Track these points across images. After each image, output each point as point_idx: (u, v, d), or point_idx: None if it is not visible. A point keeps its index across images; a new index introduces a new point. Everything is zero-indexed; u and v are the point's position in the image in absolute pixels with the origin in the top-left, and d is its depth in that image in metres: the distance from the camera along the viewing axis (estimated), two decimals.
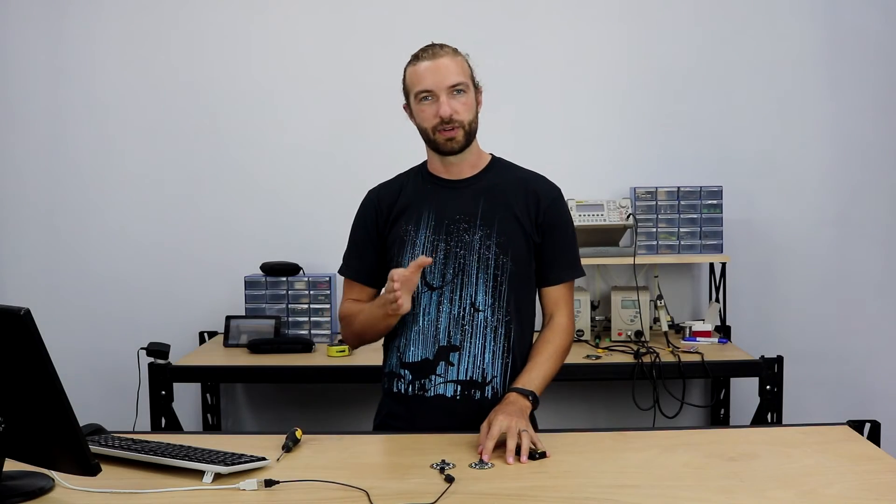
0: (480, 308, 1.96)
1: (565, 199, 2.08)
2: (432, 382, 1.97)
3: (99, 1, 3.50)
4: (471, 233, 1.97)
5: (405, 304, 1.88)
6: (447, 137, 1.94)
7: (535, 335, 2.08)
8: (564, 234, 2.04)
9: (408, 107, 2.01)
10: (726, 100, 3.51)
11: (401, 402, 2.01)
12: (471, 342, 1.96)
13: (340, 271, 2.13)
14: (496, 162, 2.08)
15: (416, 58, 1.96)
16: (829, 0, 3.47)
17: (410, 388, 1.99)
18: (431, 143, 1.98)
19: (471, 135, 1.97)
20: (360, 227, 2.10)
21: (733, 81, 3.50)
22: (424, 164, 2.09)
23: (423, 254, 1.97)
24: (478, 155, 2.04)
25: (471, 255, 1.96)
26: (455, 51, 1.97)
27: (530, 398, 1.88)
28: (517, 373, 1.98)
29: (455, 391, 1.96)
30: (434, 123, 1.93)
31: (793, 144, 3.52)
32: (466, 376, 1.96)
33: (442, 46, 1.96)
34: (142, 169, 3.55)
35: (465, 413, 1.95)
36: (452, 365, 1.96)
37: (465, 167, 2.02)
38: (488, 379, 1.96)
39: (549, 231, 2.01)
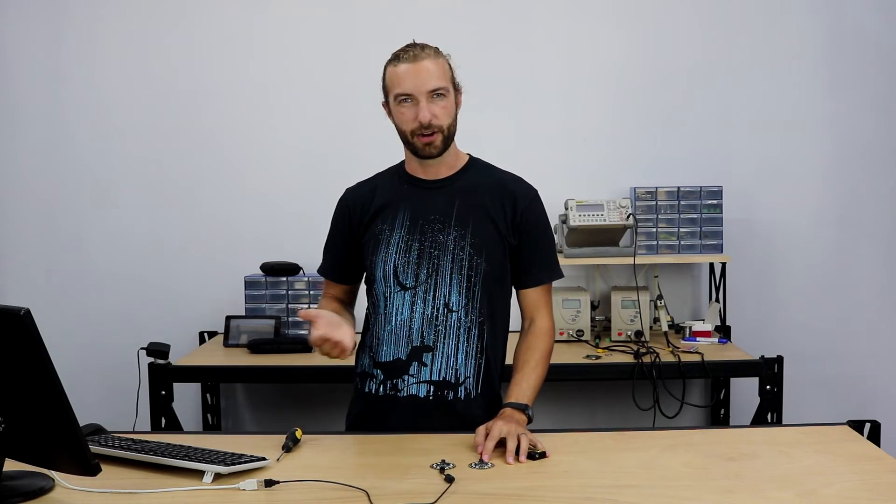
0: (454, 308, 1.96)
1: (541, 199, 2.06)
2: (405, 382, 1.97)
3: (99, 1, 3.50)
4: (445, 233, 1.97)
5: (346, 343, 1.82)
6: (426, 142, 1.93)
7: (510, 336, 2.08)
8: (542, 237, 2.03)
9: (386, 105, 2.00)
10: (726, 100, 3.51)
11: (372, 403, 2.01)
12: (444, 342, 1.96)
13: (319, 269, 2.14)
14: (474, 162, 2.07)
15: (396, 58, 1.93)
16: (829, 0, 3.47)
17: (382, 388, 1.99)
18: (410, 146, 1.98)
19: (449, 138, 1.97)
20: (333, 226, 2.11)
21: (733, 81, 3.50)
22: (402, 163, 2.09)
23: (396, 254, 1.97)
24: (455, 156, 2.04)
25: (445, 256, 1.96)
26: (436, 51, 1.94)
27: (527, 412, 1.88)
28: (490, 373, 1.99)
29: (428, 391, 1.96)
30: (413, 127, 1.92)
31: (793, 144, 3.52)
32: (439, 377, 1.96)
33: (423, 47, 1.92)
34: (142, 168, 3.55)
35: (437, 413, 1.95)
36: (425, 365, 1.96)
37: (442, 168, 2.01)
38: (461, 379, 1.96)
39: (527, 233, 2.00)
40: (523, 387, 1.92)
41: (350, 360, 3.02)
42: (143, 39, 3.51)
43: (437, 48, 1.96)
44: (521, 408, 1.87)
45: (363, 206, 2.05)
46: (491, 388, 2.01)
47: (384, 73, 1.97)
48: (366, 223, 2.03)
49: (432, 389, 1.96)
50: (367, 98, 3.44)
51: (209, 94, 3.52)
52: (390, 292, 1.98)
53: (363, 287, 2.13)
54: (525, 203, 2.01)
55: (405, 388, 1.97)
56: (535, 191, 2.06)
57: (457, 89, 1.98)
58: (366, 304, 2.09)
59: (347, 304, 2.14)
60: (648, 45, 3.50)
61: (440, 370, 1.96)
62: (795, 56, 3.49)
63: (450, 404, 1.96)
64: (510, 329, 2.08)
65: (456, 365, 1.96)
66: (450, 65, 1.96)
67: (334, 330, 1.81)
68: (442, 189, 2.01)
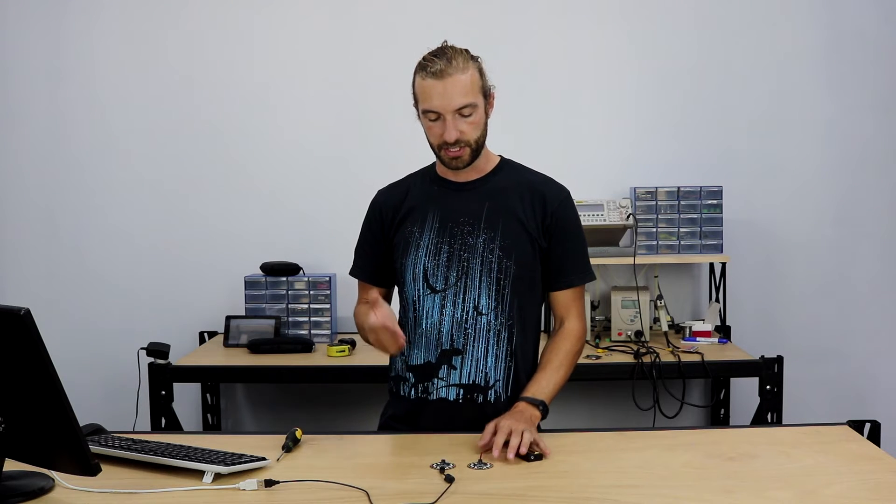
0: (483, 311, 1.95)
1: (573, 200, 2.05)
2: (435, 386, 1.97)
3: (98, 1, 3.50)
4: (474, 236, 1.96)
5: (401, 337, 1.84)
6: (452, 157, 1.92)
7: (541, 337, 2.08)
8: (573, 238, 2.02)
9: (416, 108, 1.97)
10: (726, 100, 3.51)
11: (404, 405, 2.01)
12: (473, 345, 1.96)
13: (350, 271, 2.13)
14: (504, 164, 2.06)
15: (424, 69, 1.87)
16: (829, 0, 3.47)
17: (413, 392, 1.99)
18: (438, 158, 1.98)
19: (478, 150, 1.95)
20: (366, 228, 2.11)
21: (733, 81, 3.50)
22: (433, 165, 2.08)
23: (426, 256, 1.97)
24: (486, 158, 2.02)
25: (474, 259, 1.95)
26: (465, 60, 1.88)
27: (540, 408, 1.87)
28: (519, 377, 1.98)
29: (457, 395, 1.96)
30: (440, 142, 1.91)
31: (793, 144, 3.52)
32: (469, 380, 1.96)
33: (451, 59, 1.85)
34: (142, 169, 3.55)
35: (467, 417, 1.95)
36: (455, 368, 1.96)
37: (472, 170, 2.00)
38: (491, 383, 1.96)
39: (558, 235, 1.99)
40: (542, 384, 1.92)
41: (352, 360, 3.04)
42: (143, 39, 3.51)
43: (466, 54, 1.90)
44: (536, 403, 1.87)
45: (394, 208, 2.04)
46: (520, 391, 1.98)
47: (413, 80, 1.92)
48: (396, 225, 2.03)
49: (462, 393, 1.96)
50: (369, 98, 3.48)
51: (209, 94, 3.52)
52: (419, 295, 1.98)
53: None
54: (555, 205, 1.99)
55: (435, 392, 1.97)
56: (567, 191, 2.04)
57: (487, 96, 1.94)
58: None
59: None
60: (649, 45, 3.50)
61: (469, 373, 1.96)
62: (795, 56, 3.49)
63: (479, 407, 1.95)
64: (541, 331, 2.08)
65: (485, 368, 1.95)
66: (481, 70, 1.92)
67: (393, 323, 1.82)
68: (472, 191, 2.00)
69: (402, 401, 2.02)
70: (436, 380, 1.97)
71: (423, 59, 1.89)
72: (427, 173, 2.08)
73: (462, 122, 1.89)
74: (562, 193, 2.03)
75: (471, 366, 1.96)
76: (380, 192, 2.11)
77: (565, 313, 2.03)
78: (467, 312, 1.95)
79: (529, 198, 1.99)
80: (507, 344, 1.96)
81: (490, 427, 1.76)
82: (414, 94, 1.94)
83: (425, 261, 1.97)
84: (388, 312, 1.83)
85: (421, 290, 1.97)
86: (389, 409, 2.08)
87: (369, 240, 2.09)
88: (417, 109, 1.95)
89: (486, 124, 1.95)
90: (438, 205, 2.00)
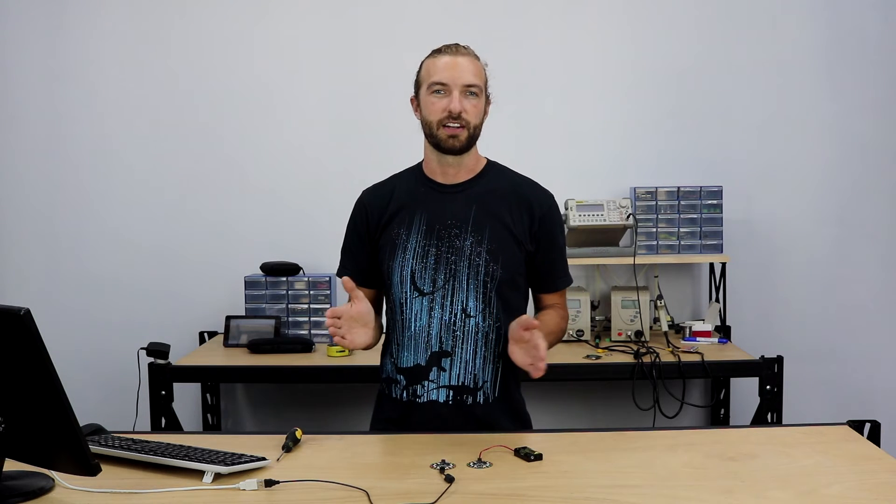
0: (471, 314, 1.96)
1: (558, 204, 2.08)
2: (425, 388, 1.97)
3: (98, 1, 3.50)
4: (462, 238, 1.96)
5: (354, 340, 1.88)
6: (451, 135, 1.92)
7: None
8: (559, 245, 2.06)
9: (415, 98, 1.99)
10: (726, 100, 3.51)
11: (395, 407, 2.02)
12: (462, 348, 1.96)
13: (337, 272, 2.13)
14: (491, 167, 2.07)
15: (437, 51, 1.97)
16: (829, 0, 3.47)
17: (405, 394, 2.00)
18: (433, 139, 1.96)
19: (473, 138, 1.97)
20: (351, 229, 2.10)
21: (733, 81, 3.50)
22: (420, 164, 2.08)
23: (413, 259, 1.97)
24: (475, 159, 2.03)
25: (461, 261, 1.96)
26: (477, 56, 1.98)
27: None
28: (507, 378, 1.99)
29: (447, 397, 1.97)
30: (441, 117, 1.92)
31: (793, 144, 3.52)
32: (458, 382, 1.96)
33: (466, 47, 1.97)
34: (142, 169, 3.55)
35: (457, 418, 1.96)
36: (444, 371, 1.96)
37: (461, 171, 2.01)
38: (480, 384, 1.97)
39: (545, 241, 2.01)
40: None
41: (352, 360, 3.04)
42: (142, 40, 3.51)
43: (477, 54, 1.99)
44: None
45: (380, 209, 2.04)
46: (509, 392, 2.01)
47: (420, 67, 1.98)
48: (382, 226, 2.03)
49: (451, 395, 1.97)
50: (369, 98, 3.48)
51: (208, 93, 3.52)
52: (407, 297, 1.98)
53: None
54: (542, 211, 2.01)
55: (425, 394, 1.97)
56: (552, 197, 2.06)
57: (487, 98, 1.99)
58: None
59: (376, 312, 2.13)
60: (649, 44, 3.50)
61: (459, 375, 1.96)
62: (795, 56, 3.49)
63: (469, 409, 1.96)
64: None
65: (474, 370, 1.96)
66: (486, 73, 1.99)
67: (354, 326, 1.88)
68: (459, 194, 2.01)
69: (393, 403, 2.03)
70: (426, 382, 1.97)
71: (434, 49, 1.98)
72: (413, 173, 2.08)
73: (467, 100, 1.92)
74: (548, 199, 2.05)
75: (460, 368, 1.96)
76: (365, 191, 2.11)
77: (552, 307, 2.08)
78: (455, 315, 1.96)
79: (516, 203, 2.00)
80: (495, 346, 1.97)
81: (539, 333, 1.75)
82: (418, 79, 1.98)
83: (413, 263, 1.97)
84: (351, 313, 1.88)
85: (409, 293, 1.97)
86: (381, 410, 2.08)
87: (355, 242, 2.09)
88: (418, 96, 1.97)
89: (482, 121, 1.98)
90: (426, 207, 2.00)
